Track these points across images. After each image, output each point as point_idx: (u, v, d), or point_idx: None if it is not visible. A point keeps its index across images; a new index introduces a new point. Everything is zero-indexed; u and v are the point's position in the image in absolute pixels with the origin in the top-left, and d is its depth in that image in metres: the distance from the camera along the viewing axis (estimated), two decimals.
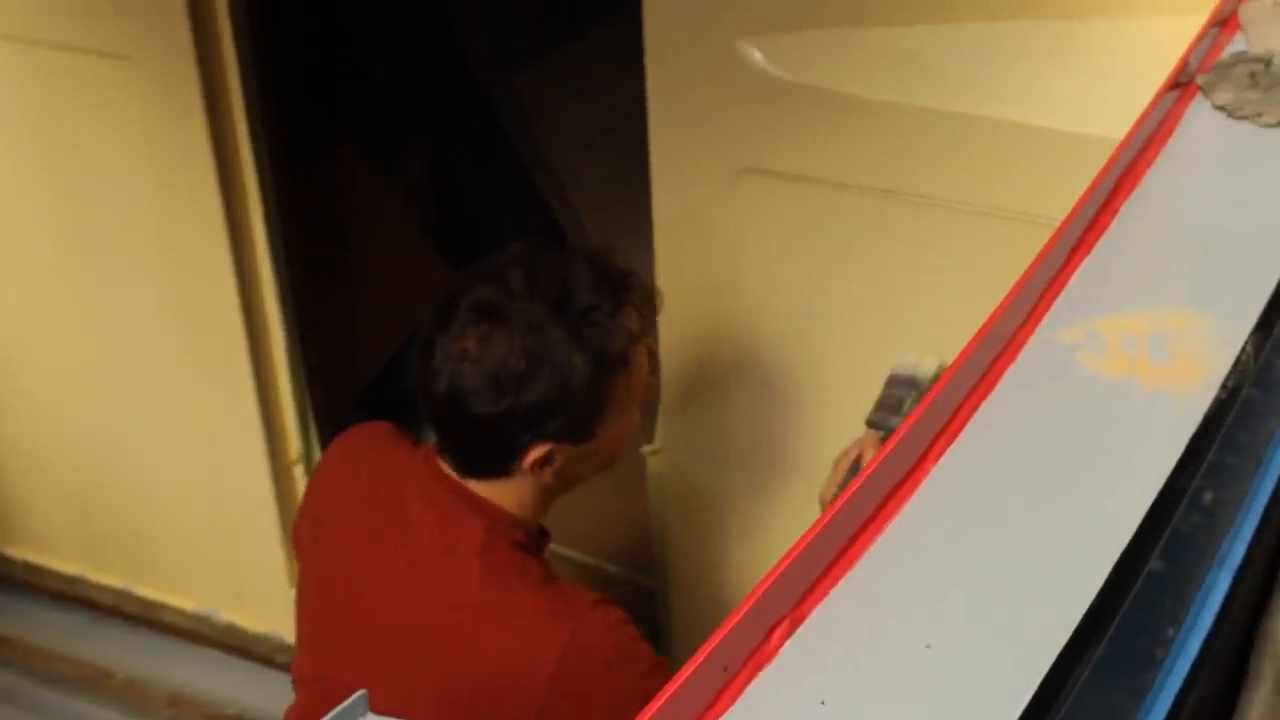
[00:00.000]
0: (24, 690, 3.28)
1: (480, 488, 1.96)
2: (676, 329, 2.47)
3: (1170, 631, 1.18)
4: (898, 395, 2.09)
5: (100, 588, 3.37)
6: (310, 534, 2.13)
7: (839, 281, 2.29)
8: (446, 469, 1.98)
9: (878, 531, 1.21)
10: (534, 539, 2.03)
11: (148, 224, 2.81)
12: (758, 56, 2.16)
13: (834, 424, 2.37)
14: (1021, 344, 1.39)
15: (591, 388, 1.87)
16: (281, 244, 2.81)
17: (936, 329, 2.21)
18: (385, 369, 3.44)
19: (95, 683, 3.36)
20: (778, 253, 2.32)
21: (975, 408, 1.33)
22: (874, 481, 1.22)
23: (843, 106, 2.15)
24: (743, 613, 1.07)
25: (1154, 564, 1.23)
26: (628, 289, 1.92)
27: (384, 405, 2.59)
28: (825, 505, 2.06)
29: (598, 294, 1.88)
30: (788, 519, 2.51)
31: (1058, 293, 1.46)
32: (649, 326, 1.98)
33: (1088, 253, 1.52)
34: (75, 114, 2.77)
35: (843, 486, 2.02)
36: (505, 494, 1.97)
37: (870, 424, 2.08)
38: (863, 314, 2.29)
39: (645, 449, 2.63)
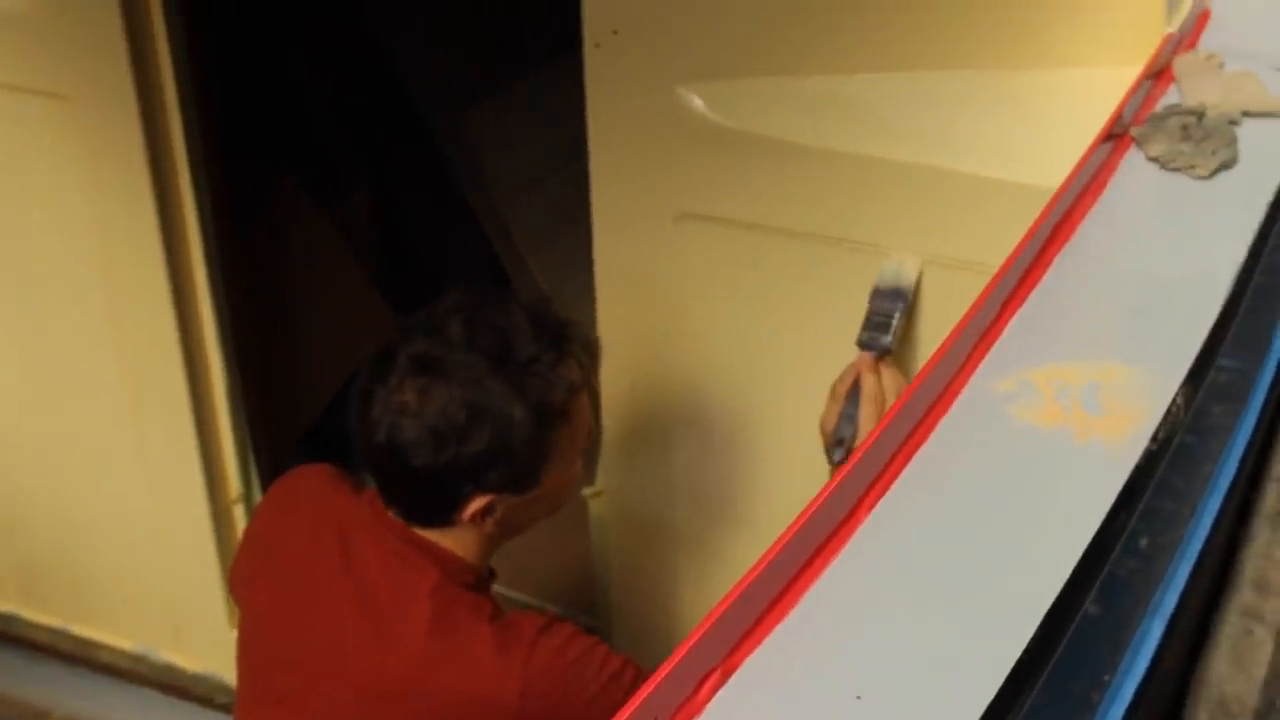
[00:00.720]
0: None
1: (427, 534, 1.96)
2: (618, 372, 2.46)
3: (1106, 676, 1.19)
4: (885, 310, 2.06)
5: (36, 626, 3.33)
6: (251, 580, 2.12)
7: (781, 326, 2.30)
8: (393, 515, 1.98)
9: (810, 582, 1.22)
10: (483, 580, 2.03)
11: (87, 263, 2.78)
12: (698, 103, 2.17)
13: (775, 466, 2.39)
14: (955, 394, 1.41)
15: (533, 440, 1.87)
16: (222, 282, 2.78)
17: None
18: (328, 408, 3.42)
19: None
20: (719, 297, 2.32)
21: (909, 458, 1.34)
22: (806, 531, 1.22)
23: (784, 153, 2.16)
24: (673, 664, 1.07)
25: (1090, 608, 1.24)
26: (568, 339, 1.92)
27: (327, 445, 2.58)
28: (825, 434, 2.06)
29: (538, 345, 1.87)
30: (730, 561, 2.51)
31: (992, 343, 1.47)
32: (589, 376, 1.98)
33: (1021, 303, 1.55)
34: (13, 153, 2.74)
35: (844, 413, 2.02)
36: (451, 540, 1.97)
37: (861, 345, 2.06)
38: (804, 358, 2.30)
39: (586, 491, 2.63)
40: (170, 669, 3.22)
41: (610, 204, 2.32)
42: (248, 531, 2.20)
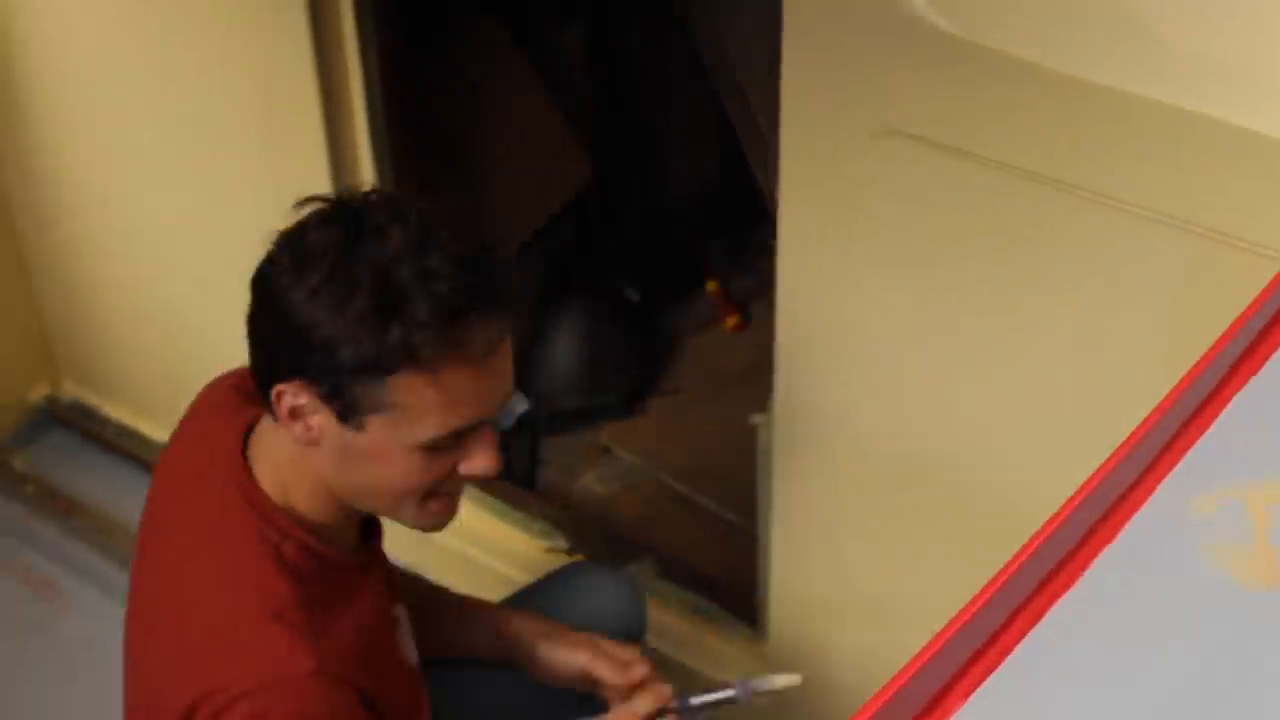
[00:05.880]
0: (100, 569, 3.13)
1: (261, 462, 1.74)
2: (796, 289, 2.17)
3: None
4: (721, 687, 2.00)
5: None
6: (142, 524, 1.89)
7: (980, 269, 1.97)
8: (245, 458, 1.76)
9: None
10: (315, 553, 1.72)
11: (249, 102, 2.64)
12: (919, 1, 1.81)
13: (952, 413, 2.11)
14: (1132, 510, 1.01)
15: (316, 329, 1.60)
16: (385, 131, 2.56)
17: (1083, 345, 1.92)
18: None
19: None
20: (914, 227, 2.00)
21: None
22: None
23: (1014, 74, 1.78)
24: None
25: None
26: (373, 233, 1.63)
27: None
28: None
29: (329, 231, 1.66)
30: (899, 501, 2.25)
31: (1194, 439, 1.06)
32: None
33: (1260, 367, 1.13)
34: None
35: None
36: (272, 470, 1.73)
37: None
38: (1001, 308, 1.98)
39: (755, 418, 2.36)
40: None
41: (804, 110, 1.99)
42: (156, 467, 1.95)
